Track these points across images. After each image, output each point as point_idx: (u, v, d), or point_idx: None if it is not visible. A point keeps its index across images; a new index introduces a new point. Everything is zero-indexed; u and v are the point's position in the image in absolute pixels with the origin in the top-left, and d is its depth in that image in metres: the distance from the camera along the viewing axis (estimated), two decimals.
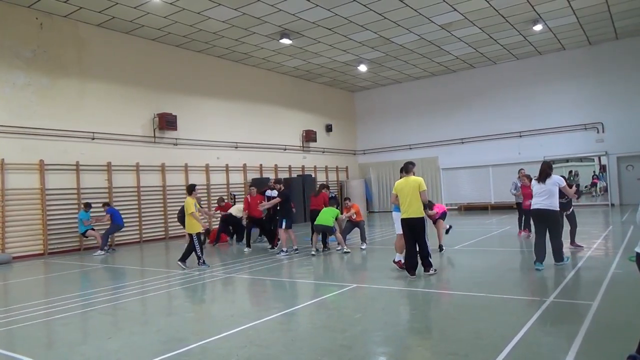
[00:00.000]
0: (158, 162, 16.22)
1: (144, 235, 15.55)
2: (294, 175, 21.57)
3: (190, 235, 9.60)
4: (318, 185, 13.22)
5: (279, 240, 11.45)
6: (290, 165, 21.77)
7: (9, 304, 7.42)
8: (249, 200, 12.72)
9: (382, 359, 4.30)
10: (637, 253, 3.72)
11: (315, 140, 23.12)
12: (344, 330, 4.95)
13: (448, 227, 10.58)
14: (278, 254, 10.85)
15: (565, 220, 9.27)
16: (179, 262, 9.56)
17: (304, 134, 22.68)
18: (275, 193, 11.89)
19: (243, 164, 19.42)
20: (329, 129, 24.42)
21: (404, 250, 7.91)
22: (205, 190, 17.65)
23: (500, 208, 21.40)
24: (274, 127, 21.14)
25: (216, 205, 15.09)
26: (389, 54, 19.65)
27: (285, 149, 21.62)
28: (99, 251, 12.90)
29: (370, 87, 25.57)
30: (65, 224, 13.52)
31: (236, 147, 19.15)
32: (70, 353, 4.70)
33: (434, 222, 9.95)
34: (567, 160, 22.94)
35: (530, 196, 10.50)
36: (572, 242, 9.38)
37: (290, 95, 22.17)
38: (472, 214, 20.65)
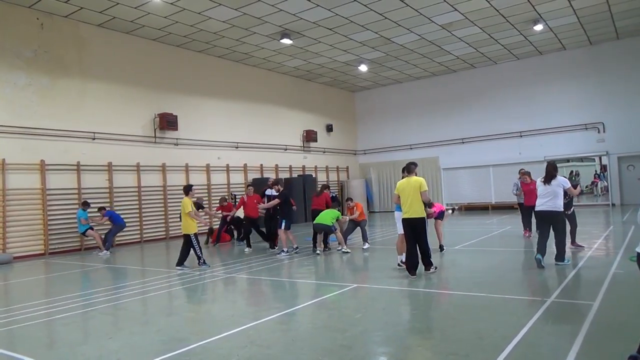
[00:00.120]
0: (159, 162, 16.23)
1: (144, 235, 15.56)
2: (295, 175, 21.56)
3: (188, 235, 9.54)
4: (320, 186, 13.22)
5: (279, 240, 11.45)
6: (290, 165, 21.77)
7: (10, 304, 7.43)
8: (245, 199, 12.62)
9: (383, 359, 4.30)
10: (638, 253, 3.72)
11: (316, 140, 23.12)
12: (344, 330, 4.95)
13: (451, 210, 10.63)
14: (279, 254, 10.86)
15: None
16: (177, 267, 9.52)
17: (305, 134, 22.68)
18: (274, 192, 11.90)
19: (244, 164, 19.42)
20: (329, 129, 24.42)
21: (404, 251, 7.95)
22: (206, 191, 17.65)
23: (500, 208, 21.39)
24: (275, 127, 21.15)
25: (218, 205, 15.09)
26: (389, 54, 19.64)
27: (285, 149, 21.63)
28: (104, 251, 12.89)
29: (371, 87, 25.57)
30: (66, 224, 13.53)
31: (237, 147, 19.16)
32: (71, 353, 4.71)
33: (434, 222, 9.97)
34: (567, 160, 22.94)
35: (530, 194, 10.55)
36: (573, 242, 9.37)
37: (290, 95, 22.17)
38: (473, 214, 20.64)
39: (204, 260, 9.65)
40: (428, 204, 8.51)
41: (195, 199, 14.19)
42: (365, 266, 9.44)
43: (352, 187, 23.87)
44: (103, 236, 13.35)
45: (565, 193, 7.99)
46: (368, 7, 14.37)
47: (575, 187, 8.59)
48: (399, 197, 7.83)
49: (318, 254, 10.79)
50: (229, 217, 13.72)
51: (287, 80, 22.06)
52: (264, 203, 12.19)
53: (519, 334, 4.46)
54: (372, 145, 26.14)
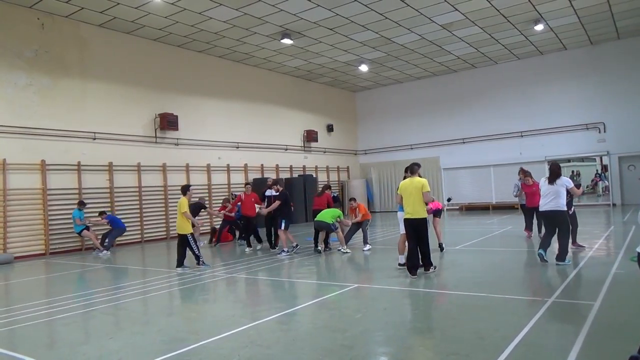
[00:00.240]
0: (159, 162, 16.24)
1: (145, 235, 15.56)
2: (295, 175, 21.56)
3: (185, 236, 9.46)
4: (321, 186, 13.24)
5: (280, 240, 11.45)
6: (291, 165, 21.77)
7: (11, 303, 7.43)
8: (243, 198, 12.47)
9: (383, 359, 4.30)
10: (639, 253, 3.72)
11: (317, 140, 23.12)
12: (345, 330, 4.95)
13: (448, 199, 10.65)
14: (279, 254, 10.86)
15: None
16: (178, 269, 9.50)
17: (305, 134, 22.68)
18: (274, 192, 11.90)
19: (244, 164, 19.42)
20: (330, 129, 24.42)
21: (406, 251, 7.98)
22: (207, 191, 17.66)
23: (501, 208, 21.38)
24: (275, 127, 21.15)
25: (221, 205, 15.07)
26: (390, 54, 19.64)
27: (286, 149, 21.63)
28: (104, 251, 12.87)
29: (372, 87, 25.57)
30: (67, 224, 13.51)
31: (237, 147, 19.16)
32: (72, 353, 4.71)
33: (432, 220, 9.96)
34: (568, 160, 22.92)
35: (533, 195, 10.53)
36: (574, 242, 9.36)
37: (291, 95, 22.17)
38: (473, 214, 20.64)
39: (204, 261, 9.64)
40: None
41: (198, 199, 14.26)
42: (366, 266, 9.44)
43: (352, 187, 23.87)
44: (100, 237, 13.36)
45: (567, 192, 8.05)
46: (368, 7, 14.37)
47: (577, 187, 8.69)
48: (401, 197, 7.85)
49: (319, 250, 10.88)
50: (227, 216, 13.72)
51: (287, 80, 22.06)
52: (262, 204, 12.17)
53: (519, 334, 4.46)
54: (373, 145, 26.14)
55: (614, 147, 19.80)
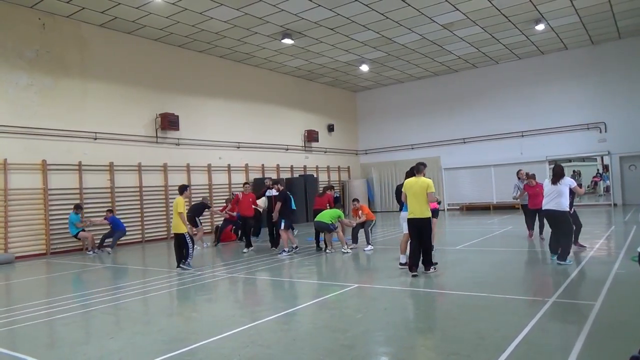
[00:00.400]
0: (160, 162, 16.24)
1: (146, 235, 15.57)
2: (296, 175, 21.56)
3: (182, 235, 9.42)
4: (323, 187, 13.28)
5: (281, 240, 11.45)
6: (292, 165, 21.77)
7: (12, 303, 7.44)
8: (240, 198, 12.31)
9: (384, 359, 4.30)
10: None
11: (317, 140, 23.12)
12: (345, 331, 4.95)
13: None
14: (279, 254, 10.86)
15: None
16: (178, 268, 9.48)
17: (306, 134, 22.68)
18: (274, 192, 11.91)
19: (245, 164, 19.43)
20: (330, 129, 24.42)
21: (407, 250, 8.03)
22: (207, 191, 17.67)
23: (502, 208, 21.36)
24: (276, 127, 21.15)
25: (223, 205, 15.08)
26: (390, 54, 19.64)
27: (287, 149, 21.63)
28: (108, 248, 13.10)
29: (372, 87, 25.56)
30: (68, 224, 13.52)
31: (238, 147, 19.17)
32: (73, 353, 4.71)
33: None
34: (569, 160, 22.90)
35: (535, 197, 10.51)
36: (576, 242, 9.34)
37: (292, 95, 22.18)
38: (474, 214, 20.63)
39: (190, 263, 9.47)
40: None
41: (202, 199, 14.29)
42: (367, 266, 9.44)
43: (353, 187, 23.86)
44: (98, 237, 13.40)
45: (571, 193, 8.15)
46: (369, 7, 14.37)
47: (579, 186, 8.77)
48: (406, 195, 7.88)
49: (321, 248, 11.01)
50: (230, 216, 13.73)
51: (288, 80, 22.06)
52: (258, 203, 12.16)
53: (520, 334, 4.45)
54: (374, 145, 26.13)
55: (614, 147, 19.78)
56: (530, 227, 11.32)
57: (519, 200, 11.70)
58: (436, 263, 7.97)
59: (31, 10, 13.18)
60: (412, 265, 7.61)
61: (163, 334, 5.25)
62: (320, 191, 13.24)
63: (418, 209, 7.63)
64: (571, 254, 8.18)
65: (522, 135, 21.62)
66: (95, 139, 14.48)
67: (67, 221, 13.38)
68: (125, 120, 15.31)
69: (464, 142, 23.20)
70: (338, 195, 14.28)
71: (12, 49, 12.85)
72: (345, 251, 10.61)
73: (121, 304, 6.91)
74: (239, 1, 13.47)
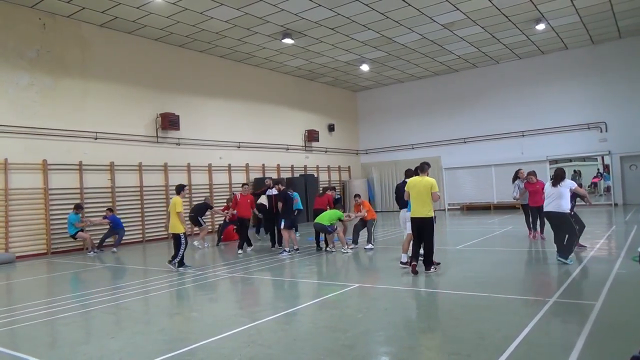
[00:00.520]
0: (161, 162, 16.25)
1: (146, 235, 15.57)
2: (297, 175, 21.56)
3: (179, 235, 9.42)
4: (322, 188, 13.30)
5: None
6: (292, 165, 21.77)
7: (12, 303, 7.45)
8: (238, 198, 12.15)
9: (385, 358, 4.30)
10: None
11: (318, 140, 23.12)
12: (346, 330, 4.95)
13: None
14: (280, 254, 10.86)
15: None
16: (181, 269, 9.49)
17: (307, 134, 22.68)
18: (275, 192, 11.92)
19: (245, 164, 19.43)
20: (331, 128, 24.42)
21: (409, 250, 8.13)
22: (208, 190, 17.67)
23: (502, 208, 21.35)
24: (277, 127, 21.16)
25: (224, 205, 15.09)
26: (391, 54, 19.63)
27: (287, 149, 21.63)
28: (114, 248, 13.23)
29: (373, 86, 25.56)
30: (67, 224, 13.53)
31: (239, 147, 19.17)
32: (73, 352, 4.71)
33: None
34: (570, 160, 22.89)
35: (536, 194, 10.53)
36: (576, 241, 9.34)
37: (292, 95, 22.18)
38: (474, 214, 20.62)
39: (176, 263, 9.42)
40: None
41: (204, 199, 14.31)
42: (367, 266, 9.43)
43: (354, 187, 23.85)
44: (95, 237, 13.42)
45: (573, 196, 8.28)
46: (370, 6, 14.36)
47: (579, 186, 8.84)
48: (409, 194, 7.95)
49: (321, 248, 11.07)
50: (228, 216, 13.73)
51: (288, 80, 22.06)
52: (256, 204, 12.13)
53: (521, 334, 4.45)
54: (374, 145, 26.13)
55: (615, 147, 19.76)
56: (531, 226, 11.29)
57: (519, 200, 11.63)
58: (438, 263, 8.01)
59: (32, 10, 13.18)
60: (412, 256, 7.79)
61: (163, 334, 5.26)
62: (320, 191, 13.28)
63: (421, 208, 7.71)
64: (572, 254, 8.18)
65: (523, 135, 21.62)
66: (96, 138, 14.48)
67: (67, 221, 13.40)
68: (125, 120, 15.32)
69: (465, 142, 23.20)
70: (339, 196, 14.28)
71: (12, 49, 12.86)
72: (345, 251, 10.61)
73: (121, 303, 6.91)
74: (239, 1, 13.47)
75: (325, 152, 24.01)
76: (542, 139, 21.12)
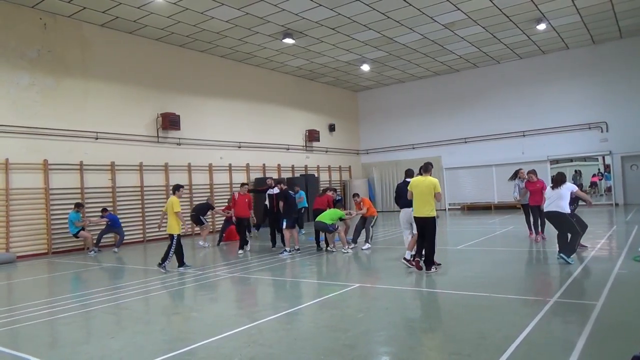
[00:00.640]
0: (161, 161, 16.26)
1: (147, 235, 15.58)
2: (297, 175, 21.56)
3: (172, 236, 9.38)
4: (322, 188, 13.33)
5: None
6: (293, 165, 21.77)
7: (13, 303, 7.46)
8: (236, 198, 12.05)
9: (385, 358, 4.30)
10: None
11: (318, 140, 23.12)
12: (346, 330, 4.95)
13: None
14: (281, 253, 10.86)
15: None
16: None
17: (307, 134, 22.69)
18: (276, 191, 11.92)
19: (246, 164, 19.44)
20: (332, 128, 24.42)
21: (414, 248, 8.27)
22: (209, 190, 17.67)
23: (503, 208, 21.34)
24: (277, 127, 21.16)
25: (226, 204, 15.10)
26: (392, 54, 19.63)
27: (288, 149, 21.63)
28: (115, 248, 13.26)
29: (373, 86, 25.55)
30: (68, 223, 13.54)
31: (239, 147, 19.17)
32: (74, 352, 4.72)
33: None
34: (571, 160, 22.89)
35: (536, 193, 10.52)
36: (579, 242, 9.32)
37: (293, 95, 22.18)
38: (475, 214, 20.61)
39: (165, 266, 9.33)
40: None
41: (206, 199, 14.31)
42: (368, 266, 9.43)
43: (354, 187, 23.82)
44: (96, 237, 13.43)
45: (575, 200, 8.49)
46: (370, 6, 14.36)
47: (578, 187, 8.96)
48: (412, 193, 8.04)
49: (321, 248, 11.08)
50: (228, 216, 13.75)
51: (289, 79, 22.06)
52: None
53: (521, 334, 4.45)
54: (375, 144, 26.13)
55: (616, 147, 19.75)
56: (531, 226, 11.23)
57: (520, 200, 11.57)
58: (439, 264, 8.03)
59: (33, 10, 13.19)
60: (418, 253, 7.92)
61: (164, 334, 5.26)
62: (320, 191, 13.33)
63: (423, 208, 7.80)
64: (574, 254, 8.18)
65: (524, 135, 21.61)
66: (97, 138, 14.49)
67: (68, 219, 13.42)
68: (126, 120, 15.33)
69: (465, 142, 23.19)
70: (340, 198, 14.28)
71: (13, 49, 12.87)
72: (345, 251, 10.61)
73: (122, 303, 6.91)
74: (240, 1, 13.47)
75: (326, 152, 24.01)
76: (543, 138, 21.10)
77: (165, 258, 9.36)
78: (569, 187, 8.20)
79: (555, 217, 8.14)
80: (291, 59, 19.52)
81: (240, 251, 11.62)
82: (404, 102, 24.92)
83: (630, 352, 3.56)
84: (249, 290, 7.76)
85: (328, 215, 10.76)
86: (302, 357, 4.26)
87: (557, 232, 8.34)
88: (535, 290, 6.61)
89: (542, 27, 16.89)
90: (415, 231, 8.37)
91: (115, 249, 13.27)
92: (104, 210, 13.51)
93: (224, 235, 14.04)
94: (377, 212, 11.96)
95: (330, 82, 24.04)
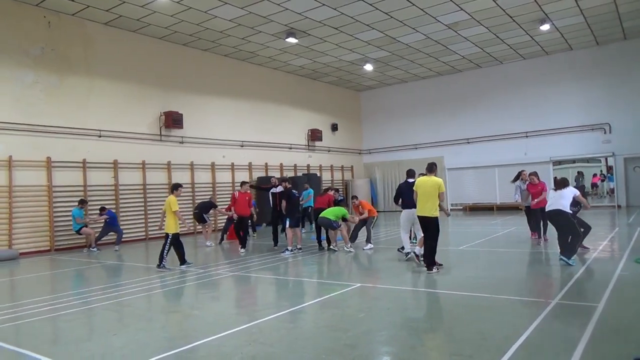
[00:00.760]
0: (164, 160, 16.29)
1: (149, 233, 15.61)
2: (300, 174, 21.57)
3: (167, 235, 9.39)
4: (324, 188, 13.36)
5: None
6: (295, 164, 21.79)
7: (16, 299, 7.49)
8: (237, 196, 11.99)
9: (386, 358, 4.31)
10: None
11: (321, 139, 23.13)
12: (347, 330, 4.96)
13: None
14: (282, 252, 10.87)
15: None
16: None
17: (310, 133, 22.69)
18: (280, 189, 11.94)
19: (249, 163, 19.46)
20: (334, 128, 24.42)
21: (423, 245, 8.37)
22: (211, 189, 17.70)
23: (505, 209, 21.32)
24: (280, 126, 21.18)
25: (229, 203, 15.12)
26: (394, 54, 19.62)
27: (290, 148, 21.65)
28: (116, 246, 13.27)
29: (376, 86, 25.54)
30: (72, 221, 13.57)
31: (242, 146, 19.20)
32: (76, 349, 4.74)
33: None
34: (573, 161, 22.83)
35: (538, 195, 10.51)
36: (580, 243, 9.30)
37: (296, 94, 22.18)
38: (477, 214, 20.59)
39: (165, 265, 9.33)
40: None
41: (209, 198, 14.30)
42: (369, 265, 9.44)
43: (356, 187, 23.86)
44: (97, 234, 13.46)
45: (576, 202, 8.48)
46: (374, 6, 14.35)
47: (581, 188, 9.09)
48: (417, 193, 8.12)
49: (323, 248, 11.10)
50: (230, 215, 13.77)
51: (292, 79, 22.07)
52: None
53: (523, 335, 4.45)
54: (377, 144, 26.12)
55: (619, 148, 19.69)
56: (533, 228, 11.20)
57: (521, 203, 11.52)
58: (441, 265, 8.04)
59: (36, 8, 13.23)
60: (429, 265, 7.81)
61: (166, 331, 5.28)
62: (322, 190, 13.36)
63: (426, 207, 7.87)
64: (575, 256, 8.17)
65: (526, 136, 21.57)
66: (100, 136, 14.53)
67: (71, 218, 13.43)
68: (129, 118, 15.36)
69: (468, 142, 23.16)
70: (343, 198, 14.30)
71: (18, 47, 12.91)
72: (348, 250, 10.63)
73: (124, 300, 6.93)
74: (243, 0, 13.48)
75: (328, 151, 24.02)
76: (546, 139, 21.06)
77: (160, 259, 9.38)
78: (571, 191, 8.29)
79: (556, 216, 8.18)
80: (294, 58, 19.52)
81: (242, 250, 11.63)
82: (406, 102, 24.90)
83: (631, 354, 3.57)
84: (250, 289, 7.77)
85: (332, 212, 10.75)
86: (303, 357, 4.27)
87: (557, 234, 8.35)
88: (536, 292, 6.61)
89: (545, 27, 16.85)
90: (421, 232, 8.47)
91: (116, 247, 13.30)
92: (102, 209, 13.51)
93: (227, 233, 14.05)
94: (379, 212, 11.97)
95: (333, 82, 24.04)
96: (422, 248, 8.38)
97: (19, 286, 8.97)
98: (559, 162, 22.00)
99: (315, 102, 23.27)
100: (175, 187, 9.85)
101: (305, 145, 22.66)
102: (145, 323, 5.73)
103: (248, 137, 19.48)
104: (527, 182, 11.14)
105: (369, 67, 21.00)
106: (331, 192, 12.30)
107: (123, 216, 14.89)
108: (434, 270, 7.73)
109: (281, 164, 21.00)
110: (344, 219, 10.99)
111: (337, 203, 11.94)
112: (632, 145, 19.30)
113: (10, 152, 12.56)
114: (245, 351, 4.41)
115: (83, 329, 5.62)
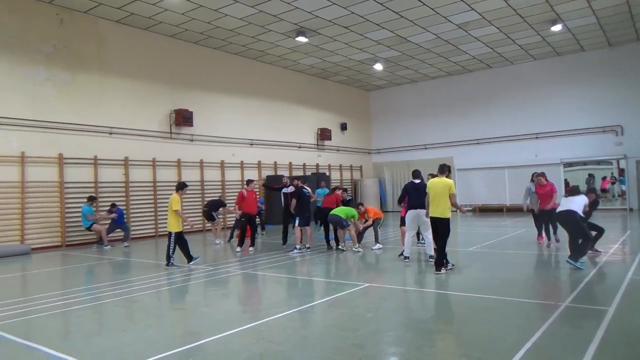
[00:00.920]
0: (174, 157, 16.38)
1: (159, 230, 15.71)
2: (309, 173, 21.59)
3: (170, 233, 9.44)
4: (332, 188, 13.38)
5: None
6: (304, 163, 21.81)
7: (27, 294, 7.58)
8: (245, 194, 11.93)
9: (394, 359, 4.30)
10: None
11: (330, 139, 23.13)
12: (355, 330, 4.96)
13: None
14: (291, 251, 10.90)
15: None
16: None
17: (319, 132, 22.70)
18: (291, 189, 11.95)
19: (258, 161, 19.51)
20: (343, 127, 24.40)
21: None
22: (220, 187, 17.77)
23: (515, 210, 21.16)
24: (289, 125, 21.21)
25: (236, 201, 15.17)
26: (405, 53, 19.56)
27: (300, 147, 21.67)
28: (125, 243, 13.44)
29: (386, 86, 25.48)
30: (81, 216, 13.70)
31: (251, 144, 19.25)
32: (86, 344, 4.79)
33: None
34: (584, 164, 22.61)
35: (546, 197, 10.43)
36: (592, 246, 9.22)
37: (305, 93, 22.20)
38: (487, 216, 20.48)
39: (173, 262, 9.39)
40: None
41: (218, 197, 14.35)
42: (377, 265, 9.43)
43: (365, 186, 23.84)
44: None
45: (590, 206, 8.56)
46: (384, 5, 14.32)
47: (592, 190, 9.22)
48: (429, 194, 8.18)
49: (331, 247, 11.11)
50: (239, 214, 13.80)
51: (302, 78, 22.09)
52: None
53: (531, 338, 4.43)
54: (386, 144, 26.07)
55: (631, 151, 19.47)
56: (541, 231, 11.05)
57: (534, 205, 11.26)
58: (453, 265, 8.06)
59: (49, 6, 13.36)
60: (437, 265, 7.83)
61: (174, 328, 5.32)
62: (330, 190, 13.39)
63: (438, 208, 7.91)
64: (585, 258, 8.11)
65: (537, 137, 21.40)
66: (111, 133, 14.65)
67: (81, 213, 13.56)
68: (140, 115, 15.47)
69: (478, 143, 23.03)
70: (351, 197, 14.26)
71: (30, 44, 13.04)
72: (356, 250, 10.63)
73: (134, 297, 6.99)
74: None
75: (338, 151, 24.01)
76: (557, 141, 20.87)
77: (168, 258, 9.46)
78: (583, 199, 8.26)
79: (565, 217, 8.12)
80: (304, 57, 19.54)
81: (251, 248, 11.66)
82: (416, 102, 24.82)
83: None
84: (258, 287, 7.80)
85: (343, 211, 10.76)
86: (311, 356, 4.28)
87: (568, 237, 8.29)
88: (546, 294, 6.57)
89: (557, 28, 16.70)
90: (428, 233, 8.51)
91: (126, 244, 13.41)
92: (113, 205, 13.63)
93: (236, 232, 14.09)
94: (388, 212, 11.96)
95: (343, 81, 24.02)
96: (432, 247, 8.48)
97: (31, 281, 9.08)
98: (570, 164, 21.80)
99: (324, 102, 23.27)
100: (180, 187, 9.85)
101: (315, 145, 22.67)
102: (154, 320, 5.77)
103: (257, 136, 19.52)
104: (536, 184, 10.98)
105: (378, 66, 20.96)
106: (339, 192, 12.30)
107: (133, 213, 15.00)
108: (442, 271, 7.71)
109: (290, 163, 21.03)
110: (353, 218, 11.01)
111: (345, 203, 11.93)
112: None
113: (22, 149, 12.71)
114: (253, 349, 4.43)
115: (93, 325, 5.68)
